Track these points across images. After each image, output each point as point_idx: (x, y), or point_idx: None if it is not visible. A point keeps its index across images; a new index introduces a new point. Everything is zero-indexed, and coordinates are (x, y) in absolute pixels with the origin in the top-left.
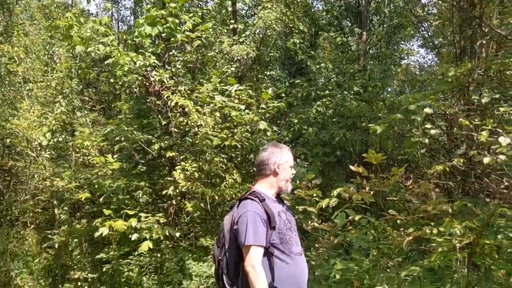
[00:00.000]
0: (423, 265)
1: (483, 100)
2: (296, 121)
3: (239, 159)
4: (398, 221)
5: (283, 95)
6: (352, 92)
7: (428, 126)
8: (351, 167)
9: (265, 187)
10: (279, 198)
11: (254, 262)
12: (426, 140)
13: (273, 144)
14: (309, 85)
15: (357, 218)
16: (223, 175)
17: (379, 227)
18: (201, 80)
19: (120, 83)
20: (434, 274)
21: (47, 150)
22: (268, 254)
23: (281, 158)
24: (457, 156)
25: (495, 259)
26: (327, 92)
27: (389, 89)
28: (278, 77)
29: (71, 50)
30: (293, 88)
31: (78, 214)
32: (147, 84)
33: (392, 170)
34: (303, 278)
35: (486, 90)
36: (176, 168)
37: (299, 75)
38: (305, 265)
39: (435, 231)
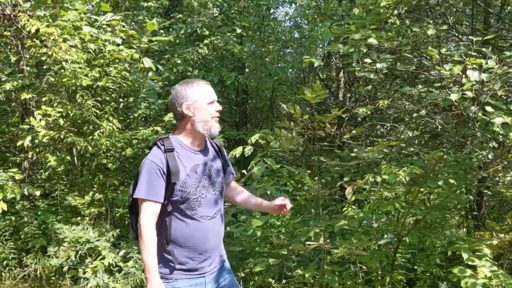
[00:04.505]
0: (359, 218)
1: (429, 32)
2: (179, 61)
3: (112, 103)
4: (329, 169)
5: (162, 31)
6: (234, 34)
7: (368, 60)
8: (283, 105)
9: (182, 134)
10: (206, 145)
11: (143, 218)
12: (372, 75)
13: (182, 81)
14: (192, 21)
15: (275, 167)
16: (98, 121)
17: (296, 177)
18: (65, 5)
19: None
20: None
21: None
22: (165, 211)
23: (188, 97)
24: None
25: (428, 207)
26: (208, 32)
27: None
28: (156, 8)
29: None
30: (174, 24)
31: None
32: None
33: (332, 111)
34: (205, 244)
35: (431, 21)
36: (35, 113)
37: (176, 11)
38: (213, 230)
39: (378, 178)
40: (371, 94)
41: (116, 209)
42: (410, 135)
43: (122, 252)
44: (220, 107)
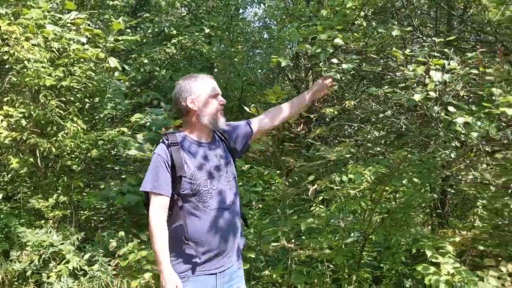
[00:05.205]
0: (324, 216)
1: (394, 33)
2: (146, 61)
3: (77, 103)
4: (296, 169)
5: (128, 30)
6: (203, 34)
7: (335, 60)
8: (246, 108)
9: (188, 129)
10: (214, 137)
11: (150, 211)
12: (338, 76)
13: (185, 76)
14: (160, 20)
15: (245, 167)
16: (62, 122)
17: (265, 177)
18: (28, 3)
19: None
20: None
21: None
22: (177, 206)
23: (192, 91)
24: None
25: (394, 205)
26: (176, 32)
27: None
28: (122, 7)
29: None
30: (141, 23)
31: None
32: None
33: None
34: (220, 236)
35: (396, 23)
36: None
37: (144, 10)
38: (228, 222)
39: (344, 178)
40: (339, 95)
41: (82, 212)
42: (377, 135)
43: (87, 256)
44: (224, 100)
